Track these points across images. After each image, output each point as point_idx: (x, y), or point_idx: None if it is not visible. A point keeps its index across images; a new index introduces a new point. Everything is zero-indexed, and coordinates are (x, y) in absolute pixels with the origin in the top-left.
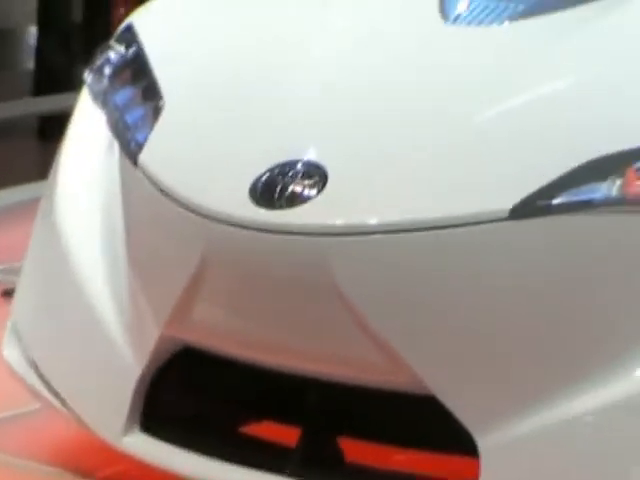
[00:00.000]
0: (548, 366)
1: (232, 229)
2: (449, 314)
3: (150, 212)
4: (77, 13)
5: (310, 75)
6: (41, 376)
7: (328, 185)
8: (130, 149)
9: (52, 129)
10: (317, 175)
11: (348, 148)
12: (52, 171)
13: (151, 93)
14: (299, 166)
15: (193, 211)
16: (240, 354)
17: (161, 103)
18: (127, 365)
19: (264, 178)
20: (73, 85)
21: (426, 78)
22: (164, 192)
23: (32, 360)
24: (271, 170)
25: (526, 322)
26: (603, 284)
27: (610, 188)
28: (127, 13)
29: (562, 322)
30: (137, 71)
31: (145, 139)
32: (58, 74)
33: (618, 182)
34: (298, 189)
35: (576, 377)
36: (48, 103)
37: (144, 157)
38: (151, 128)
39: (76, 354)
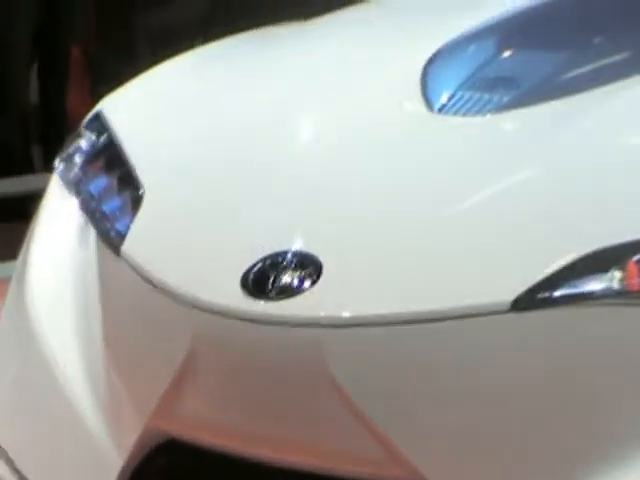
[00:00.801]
0: (550, 461)
1: (224, 320)
2: (449, 408)
3: (134, 303)
4: (33, 95)
5: (298, 164)
6: (17, 471)
7: (322, 276)
8: (111, 239)
9: (7, 211)
10: (311, 266)
11: (342, 239)
12: (21, 256)
13: (128, 181)
14: (292, 257)
15: (182, 302)
16: (230, 447)
17: (140, 192)
18: (107, 459)
19: (256, 269)
20: (30, 167)
21: (417, 169)
22: (150, 283)
23: (7, 456)
24: (263, 260)
25: (528, 416)
26: (604, 378)
27: (611, 280)
28: (82, 96)
29: (564, 416)
30: (111, 159)
31: (126, 229)
32: (14, 156)
33: (619, 275)
34: (291, 280)
35: (578, 472)
36: (3, 186)
37: (127, 247)
38: (132, 217)
39: (52, 447)
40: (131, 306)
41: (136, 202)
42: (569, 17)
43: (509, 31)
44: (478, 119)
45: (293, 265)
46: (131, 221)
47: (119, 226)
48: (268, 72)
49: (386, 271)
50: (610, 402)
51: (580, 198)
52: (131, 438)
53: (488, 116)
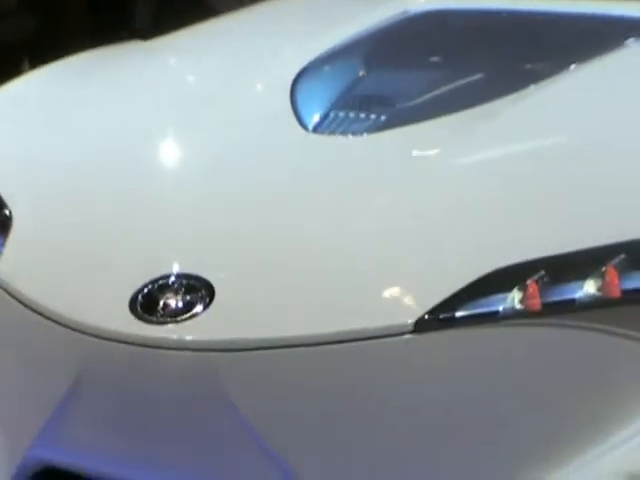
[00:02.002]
0: None
1: (112, 344)
2: (347, 431)
3: (12, 329)
4: None
5: (174, 184)
6: None
7: (215, 299)
8: None
9: None
10: (202, 289)
11: (233, 261)
12: None
13: None
14: (181, 279)
15: (67, 326)
16: (116, 474)
17: (6, 212)
18: None
19: (145, 290)
20: None
21: (304, 189)
22: (31, 307)
23: None
24: (152, 282)
25: (431, 438)
26: (507, 398)
27: (512, 300)
28: None
29: (469, 437)
30: None
31: None
32: None
33: (519, 294)
34: (182, 303)
35: None
36: None
37: (2, 271)
38: (1, 240)
39: None
40: (10, 332)
41: (5, 224)
42: (428, 36)
43: (372, 50)
44: (360, 138)
45: (184, 288)
46: (1, 244)
47: None
48: (130, 89)
49: (281, 293)
50: (513, 424)
51: (478, 216)
52: (10, 469)
53: (367, 135)
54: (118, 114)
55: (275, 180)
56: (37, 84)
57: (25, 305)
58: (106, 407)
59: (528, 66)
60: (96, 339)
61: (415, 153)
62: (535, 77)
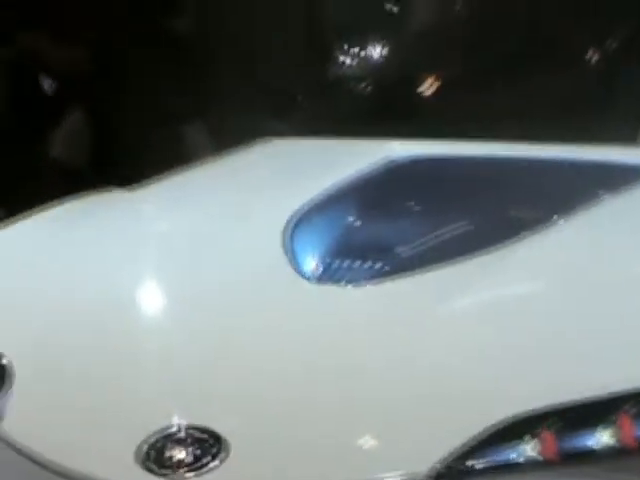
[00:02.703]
0: None
1: None
2: None
3: None
4: None
5: (182, 334)
6: None
7: (223, 450)
8: None
9: None
10: (211, 440)
11: (241, 412)
12: None
13: None
14: (190, 431)
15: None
16: None
17: (4, 362)
18: None
19: (154, 443)
20: None
21: (311, 339)
22: (39, 463)
23: None
24: (160, 435)
25: None
26: None
27: (529, 450)
28: None
29: None
30: None
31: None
32: None
33: (535, 444)
34: (192, 455)
35: None
36: None
37: (7, 427)
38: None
39: None
40: None
41: (1, 377)
42: (414, 183)
43: (360, 197)
44: (365, 288)
45: (192, 439)
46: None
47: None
48: (121, 241)
49: (292, 443)
50: None
51: (489, 365)
52: None
53: (373, 285)
54: (112, 266)
55: (281, 331)
56: (24, 234)
57: (31, 460)
58: None
59: (516, 213)
60: None
61: (423, 303)
62: (524, 224)
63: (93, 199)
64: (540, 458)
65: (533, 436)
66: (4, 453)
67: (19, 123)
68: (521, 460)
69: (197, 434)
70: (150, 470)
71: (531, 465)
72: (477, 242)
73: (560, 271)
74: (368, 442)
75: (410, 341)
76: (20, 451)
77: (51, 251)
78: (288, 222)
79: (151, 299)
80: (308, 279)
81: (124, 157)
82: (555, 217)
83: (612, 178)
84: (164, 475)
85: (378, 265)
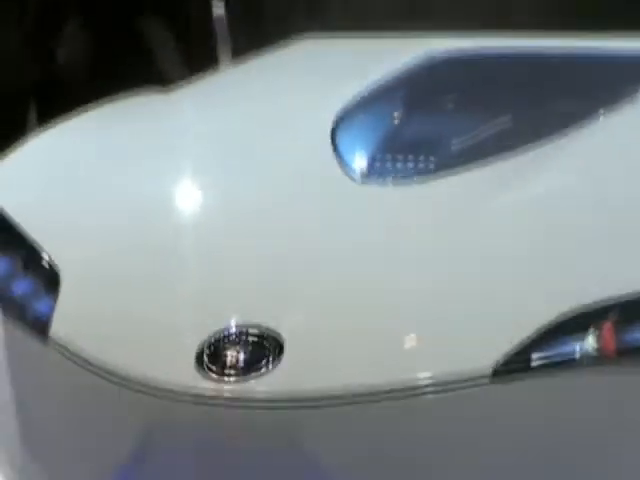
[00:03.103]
0: None
1: (181, 403)
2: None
3: (68, 391)
4: None
5: (235, 235)
6: None
7: (285, 352)
8: (31, 324)
9: None
10: (270, 341)
11: (301, 312)
12: None
13: (34, 260)
14: (249, 332)
15: (132, 386)
16: None
17: (55, 270)
18: None
19: (212, 346)
20: None
21: (367, 240)
22: (92, 368)
23: None
24: (218, 337)
25: None
26: (587, 444)
27: (587, 345)
28: None
29: None
30: (6, 240)
31: (49, 312)
32: None
33: (594, 339)
34: (251, 357)
35: None
36: None
37: (57, 332)
38: (51, 299)
39: None
40: (64, 395)
41: (51, 282)
42: (455, 79)
43: (402, 95)
44: (415, 187)
45: (251, 341)
46: (52, 303)
47: (39, 309)
48: (163, 142)
49: (353, 343)
50: (592, 472)
51: (547, 259)
52: None
53: (422, 183)
54: (158, 167)
55: (334, 231)
56: (64, 137)
57: (85, 366)
58: (176, 468)
59: (561, 108)
60: (163, 399)
61: (474, 199)
62: (570, 120)
63: (130, 101)
64: (599, 353)
65: (592, 330)
66: (52, 359)
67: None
68: (580, 355)
69: (255, 335)
70: (210, 374)
71: (590, 360)
72: (523, 138)
73: (610, 165)
74: (429, 339)
75: (463, 236)
76: (76, 359)
77: (92, 154)
78: (334, 121)
79: (200, 200)
80: (356, 179)
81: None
82: (601, 112)
83: None
84: (223, 376)
85: (432, 163)
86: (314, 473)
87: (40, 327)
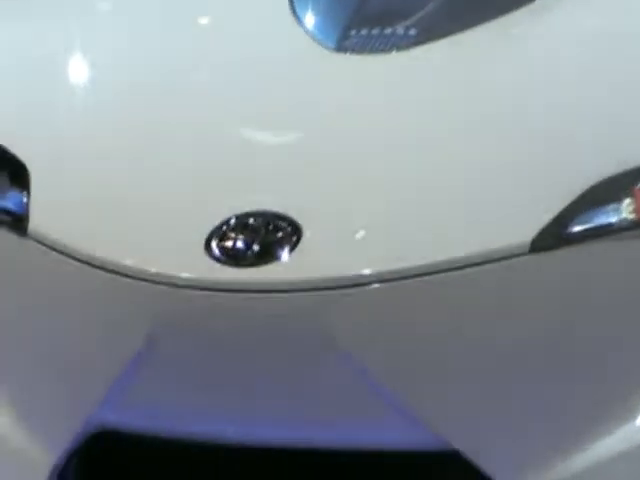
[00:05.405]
0: (565, 412)
1: (194, 292)
2: (464, 362)
3: (58, 288)
4: None
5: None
6: None
7: (305, 237)
8: (4, 220)
9: None
10: (288, 226)
11: (318, 196)
12: None
13: None
14: (265, 218)
15: (136, 277)
16: (199, 432)
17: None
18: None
19: (229, 233)
20: None
21: (371, 112)
22: (80, 261)
23: None
24: (229, 223)
25: (550, 363)
26: (630, 314)
27: (623, 211)
28: None
29: (588, 360)
30: None
31: (22, 206)
32: None
33: (630, 204)
34: (271, 243)
35: (599, 424)
36: None
37: (37, 226)
38: (22, 193)
39: None
40: (63, 293)
41: (18, 173)
42: None
43: None
44: (399, 54)
45: (267, 226)
46: (25, 197)
47: (10, 205)
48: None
49: (379, 223)
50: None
51: (575, 124)
52: (67, 434)
53: (406, 50)
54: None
55: (323, 104)
56: None
57: (74, 260)
58: (187, 360)
59: None
60: (176, 288)
61: (464, 66)
62: None
63: None
64: (635, 216)
65: (626, 196)
66: (33, 254)
67: None
68: (616, 220)
69: (273, 220)
70: (222, 262)
71: (626, 224)
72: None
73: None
74: (465, 215)
75: (476, 107)
76: (53, 249)
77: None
78: None
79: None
80: (330, 48)
81: None
82: None
83: None
84: (238, 265)
85: (411, 31)
86: (341, 364)
87: (14, 224)
